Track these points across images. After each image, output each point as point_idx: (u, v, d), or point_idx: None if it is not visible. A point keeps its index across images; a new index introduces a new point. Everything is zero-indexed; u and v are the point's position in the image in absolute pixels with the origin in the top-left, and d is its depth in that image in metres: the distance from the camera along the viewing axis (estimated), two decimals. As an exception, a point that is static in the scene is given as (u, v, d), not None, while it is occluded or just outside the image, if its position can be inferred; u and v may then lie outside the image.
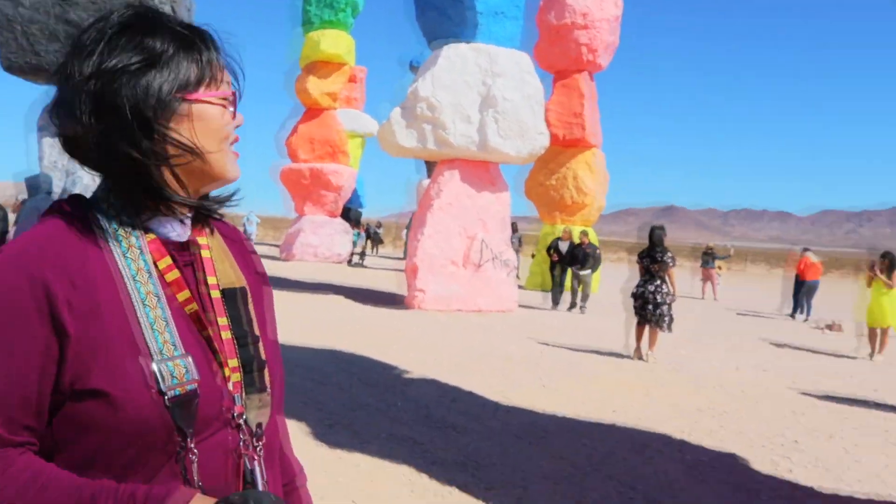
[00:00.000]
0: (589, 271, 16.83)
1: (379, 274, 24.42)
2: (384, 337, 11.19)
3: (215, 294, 1.20)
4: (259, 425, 1.20)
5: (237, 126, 1.23)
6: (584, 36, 20.51)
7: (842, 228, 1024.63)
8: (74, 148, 1.15)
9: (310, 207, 27.31)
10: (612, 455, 6.08)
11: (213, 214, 1.27)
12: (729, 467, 6.00)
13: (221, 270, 1.25)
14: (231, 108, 1.21)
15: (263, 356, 1.24)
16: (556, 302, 17.33)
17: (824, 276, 21.58)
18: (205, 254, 1.23)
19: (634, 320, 10.66)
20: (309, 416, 6.66)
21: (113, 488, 1.02)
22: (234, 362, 1.18)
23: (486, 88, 14.45)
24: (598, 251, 17.47)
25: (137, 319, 1.09)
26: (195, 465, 1.09)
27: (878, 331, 12.08)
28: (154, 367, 1.07)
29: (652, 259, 10.49)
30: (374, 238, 39.78)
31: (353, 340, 10.64)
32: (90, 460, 1.07)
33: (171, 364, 1.08)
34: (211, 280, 1.21)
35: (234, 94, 1.22)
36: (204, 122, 1.16)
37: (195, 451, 1.09)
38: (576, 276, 16.82)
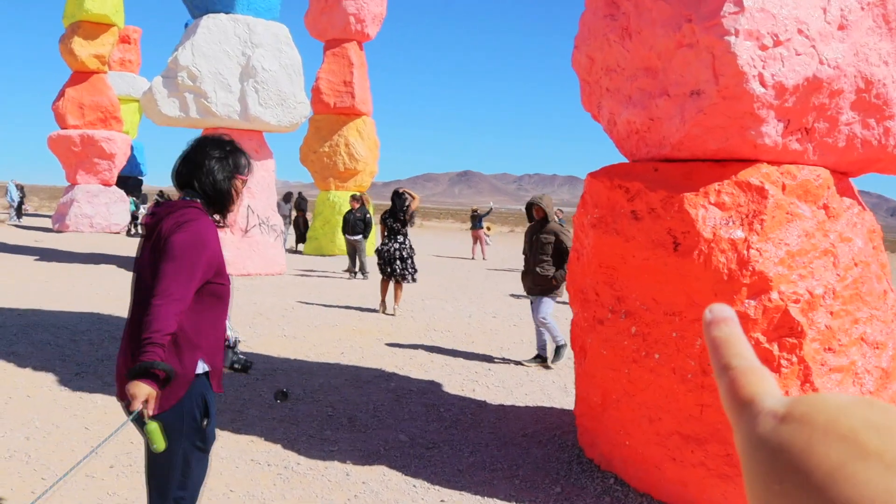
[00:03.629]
0: (360, 237, 16.71)
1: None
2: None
3: None
4: None
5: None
6: (351, 6, 21.32)
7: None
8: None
9: (83, 176, 26.48)
10: (328, 386, 7.11)
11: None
12: (427, 392, 7.19)
13: None
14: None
15: None
16: (349, 270, 17.02)
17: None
18: None
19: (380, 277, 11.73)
20: (58, 368, 7.21)
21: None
22: None
23: (245, 58, 14.94)
24: (368, 216, 17.40)
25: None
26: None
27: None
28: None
29: (395, 219, 11.50)
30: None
31: (116, 305, 11.02)
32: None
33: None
34: None
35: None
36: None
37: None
38: (349, 243, 16.84)
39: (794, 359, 4.03)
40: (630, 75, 4.75)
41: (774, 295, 4.03)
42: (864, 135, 4.50)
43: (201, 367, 2.83)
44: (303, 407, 6.40)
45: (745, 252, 4.05)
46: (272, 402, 6.49)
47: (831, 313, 4.23)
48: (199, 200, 2.93)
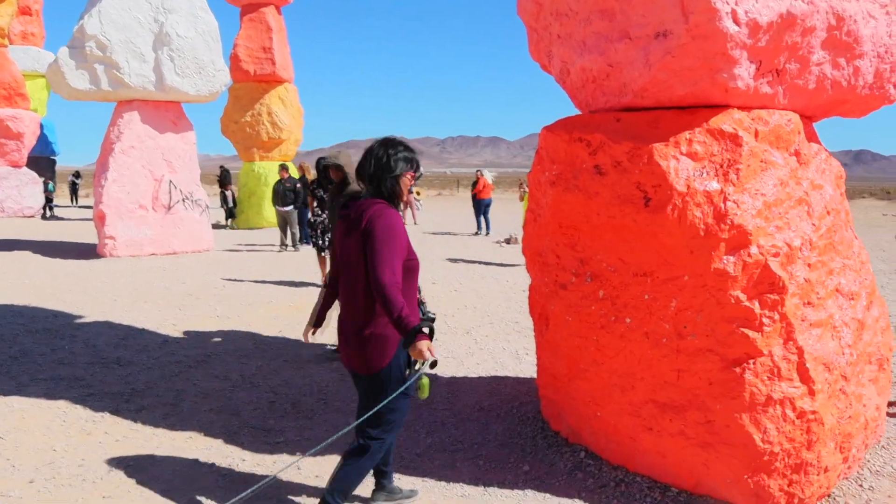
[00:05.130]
0: (290, 208, 16.07)
1: (78, 225, 23.06)
2: (66, 287, 10.87)
3: None
4: None
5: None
6: (267, -32, 20.42)
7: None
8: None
9: (-11, 159, 25.02)
10: (266, 369, 6.64)
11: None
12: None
13: None
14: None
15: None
16: (281, 244, 16.44)
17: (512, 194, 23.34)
18: None
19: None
20: (-36, 371, 6.55)
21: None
22: None
23: (158, 25, 14.05)
24: (298, 186, 16.18)
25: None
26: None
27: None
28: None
29: (325, 190, 10.81)
30: (72, 188, 37.21)
31: (32, 294, 10.26)
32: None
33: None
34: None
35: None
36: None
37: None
38: (280, 214, 16.20)
39: (777, 316, 3.76)
40: (584, 19, 4.37)
41: (754, 249, 3.73)
42: (833, 75, 4.23)
43: None
44: (241, 394, 5.93)
45: (722, 205, 3.74)
46: (208, 391, 6.01)
47: (809, 265, 3.97)
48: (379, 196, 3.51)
